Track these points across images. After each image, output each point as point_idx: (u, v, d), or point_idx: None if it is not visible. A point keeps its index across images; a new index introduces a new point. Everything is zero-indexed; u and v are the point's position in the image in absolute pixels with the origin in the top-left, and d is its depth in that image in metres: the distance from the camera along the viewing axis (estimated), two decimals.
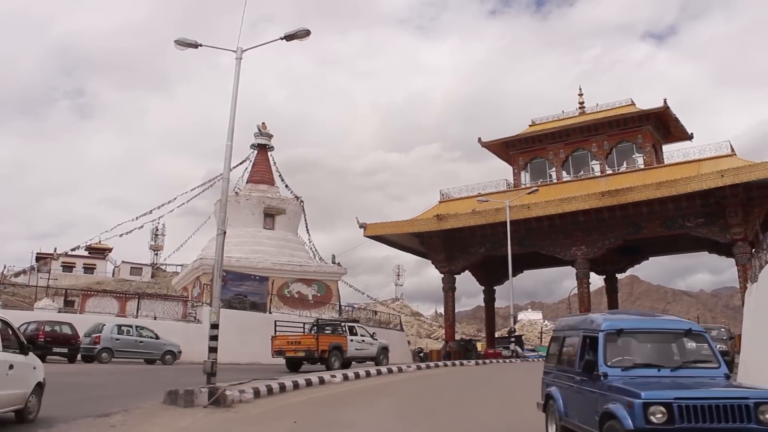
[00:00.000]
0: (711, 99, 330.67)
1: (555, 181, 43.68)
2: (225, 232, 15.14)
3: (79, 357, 23.61)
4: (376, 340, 26.40)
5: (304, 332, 24.00)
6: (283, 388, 14.78)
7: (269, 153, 51.03)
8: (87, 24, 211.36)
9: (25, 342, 9.70)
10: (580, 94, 47.11)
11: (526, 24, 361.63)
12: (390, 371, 22.08)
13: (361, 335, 25.49)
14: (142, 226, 49.69)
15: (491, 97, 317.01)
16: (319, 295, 44.48)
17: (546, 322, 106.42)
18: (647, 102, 42.72)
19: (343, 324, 26.08)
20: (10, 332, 9.11)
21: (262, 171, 49.99)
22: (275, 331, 23.89)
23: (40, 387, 9.84)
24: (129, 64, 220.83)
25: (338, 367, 21.80)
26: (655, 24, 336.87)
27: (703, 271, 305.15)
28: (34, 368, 9.86)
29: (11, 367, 8.58)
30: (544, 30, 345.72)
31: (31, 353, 9.82)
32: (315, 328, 23.97)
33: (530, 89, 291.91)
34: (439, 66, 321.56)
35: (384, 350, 26.14)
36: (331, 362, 22.32)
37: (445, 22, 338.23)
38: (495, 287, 49.01)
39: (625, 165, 42.44)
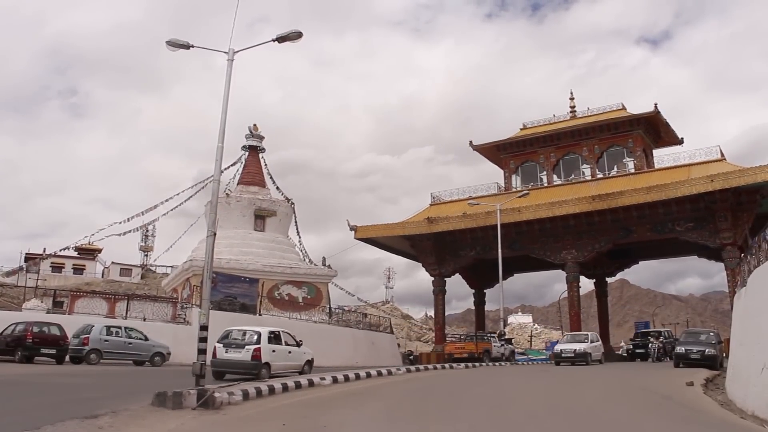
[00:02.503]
0: (703, 104, 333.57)
1: (546, 184, 43.83)
2: (215, 234, 15.10)
3: (67, 358, 23.44)
4: (510, 345, 37.45)
5: (461, 340, 36.73)
6: (272, 390, 14.74)
7: (260, 155, 50.90)
8: (81, 23, 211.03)
9: (298, 340, 21.12)
10: (572, 98, 47.32)
11: (522, 27, 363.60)
12: (380, 374, 22.05)
13: (500, 342, 35.32)
14: (137, 229, 49.57)
15: (485, 100, 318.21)
16: (309, 297, 44.38)
17: (536, 325, 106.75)
18: (640, 107, 42.99)
19: (488, 334, 37.02)
20: (290, 335, 20.77)
21: (253, 172, 49.85)
22: (445, 339, 41.53)
23: (309, 363, 21.44)
24: (123, 64, 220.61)
25: (488, 361, 31.90)
26: (649, 29, 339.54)
27: (692, 276, 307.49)
28: (304, 353, 21.22)
29: (290, 351, 20.16)
30: (540, 34, 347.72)
31: (303, 345, 21.24)
32: (474, 337, 35.38)
33: (524, 93, 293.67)
34: (434, 69, 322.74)
35: (512, 353, 36.62)
36: (484, 359, 31.86)
37: (440, 24, 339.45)
38: (485, 290, 49.09)
39: (615, 169, 42.63)
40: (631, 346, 38.16)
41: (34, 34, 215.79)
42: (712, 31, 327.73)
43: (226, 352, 18.55)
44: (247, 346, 18.41)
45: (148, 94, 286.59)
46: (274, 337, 19.51)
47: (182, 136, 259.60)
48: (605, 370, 26.00)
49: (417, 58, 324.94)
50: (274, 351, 18.88)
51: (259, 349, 18.28)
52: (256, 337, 18.73)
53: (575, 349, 29.64)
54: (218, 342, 18.75)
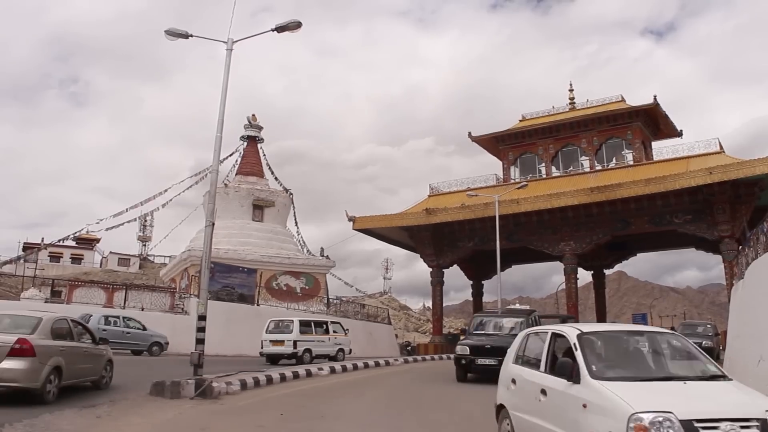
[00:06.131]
0: (707, 96, 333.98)
1: (544, 176, 43.73)
2: (213, 224, 15.08)
3: None
4: None
5: None
6: (270, 380, 14.79)
7: (259, 145, 50.85)
8: (83, 11, 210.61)
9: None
10: (571, 90, 47.18)
11: (527, 18, 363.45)
12: (377, 364, 22.14)
13: None
14: (136, 219, 49.58)
15: (488, 91, 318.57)
16: (307, 287, 44.40)
17: None
18: (644, 99, 42.83)
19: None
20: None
21: (251, 163, 49.79)
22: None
23: None
24: (125, 53, 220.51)
25: None
26: (654, 21, 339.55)
27: (691, 268, 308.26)
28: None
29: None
30: (544, 25, 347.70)
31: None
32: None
33: (527, 84, 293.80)
34: (438, 59, 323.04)
35: None
36: None
37: (445, 14, 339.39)
38: (483, 282, 49.09)
39: (614, 161, 42.55)
40: (467, 349, 17.53)
41: (36, 22, 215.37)
42: (717, 23, 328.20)
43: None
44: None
45: (150, 84, 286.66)
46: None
47: (184, 125, 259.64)
48: None
49: (421, 49, 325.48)
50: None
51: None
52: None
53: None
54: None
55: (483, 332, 18.49)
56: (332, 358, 23.44)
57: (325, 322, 25.27)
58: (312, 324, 23.97)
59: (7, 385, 9.66)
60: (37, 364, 9.86)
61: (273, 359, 22.40)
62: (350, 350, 25.79)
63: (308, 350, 22.46)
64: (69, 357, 10.91)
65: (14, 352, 9.61)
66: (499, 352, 14.73)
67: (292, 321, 23.09)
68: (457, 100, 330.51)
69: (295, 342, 22.04)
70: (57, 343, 10.71)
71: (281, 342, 22.29)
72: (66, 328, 11.53)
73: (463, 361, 16.97)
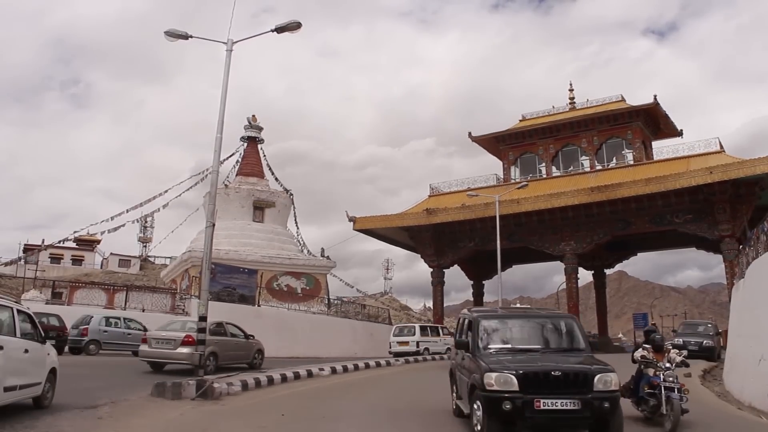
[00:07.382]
0: (708, 96, 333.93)
1: (544, 176, 43.71)
2: (214, 225, 15.08)
3: (66, 349, 23.46)
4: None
5: None
6: (271, 381, 14.78)
7: (259, 146, 50.85)
8: (85, 13, 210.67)
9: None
10: (571, 90, 47.17)
11: (528, 18, 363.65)
12: (378, 365, 22.13)
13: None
14: (136, 221, 49.63)
15: (489, 92, 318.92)
16: (307, 288, 44.37)
17: None
18: (645, 99, 42.72)
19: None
20: None
21: (251, 163, 49.77)
22: None
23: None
24: (127, 55, 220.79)
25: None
26: (655, 21, 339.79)
27: (692, 268, 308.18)
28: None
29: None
30: (545, 25, 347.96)
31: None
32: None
33: (528, 85, 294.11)
34: (439, 60, 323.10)
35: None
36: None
37: (447, 15, 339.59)
38: (484, 282, 49.07)
39: (614, 161, 42.54)
40: (514, 380, 7.94)
41: (38, 24, 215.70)
42: (718, 23, 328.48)
43: None
44: None
45: (152, 85, 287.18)
46: None
47: (184, 127, 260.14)
48: None
49: (422, 49, 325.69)
50: None
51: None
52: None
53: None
54: None
55: (522, 348, 9.18)
56: (441, 355, 28.09)
57: (437, 327, 32.26)
58: (428, 329, 30.80)
59: (181, 362, 16.45)
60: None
61: (399, 356, 26.58)
62: None
63: (426, 349, 28.05)
64: (222, 346, 17.62)
65: (184, 343, 16.31)
66: (580, 383, 8.11)
67: (414, 326, 30.49)
68: (458, 101, 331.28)
69: (418, 342, 27.99)
70: (212, 337, 16.50)
71: (406, 342, 28.16)
72: (221, 327, 18.39)
73: (507, 406, 7.92)
